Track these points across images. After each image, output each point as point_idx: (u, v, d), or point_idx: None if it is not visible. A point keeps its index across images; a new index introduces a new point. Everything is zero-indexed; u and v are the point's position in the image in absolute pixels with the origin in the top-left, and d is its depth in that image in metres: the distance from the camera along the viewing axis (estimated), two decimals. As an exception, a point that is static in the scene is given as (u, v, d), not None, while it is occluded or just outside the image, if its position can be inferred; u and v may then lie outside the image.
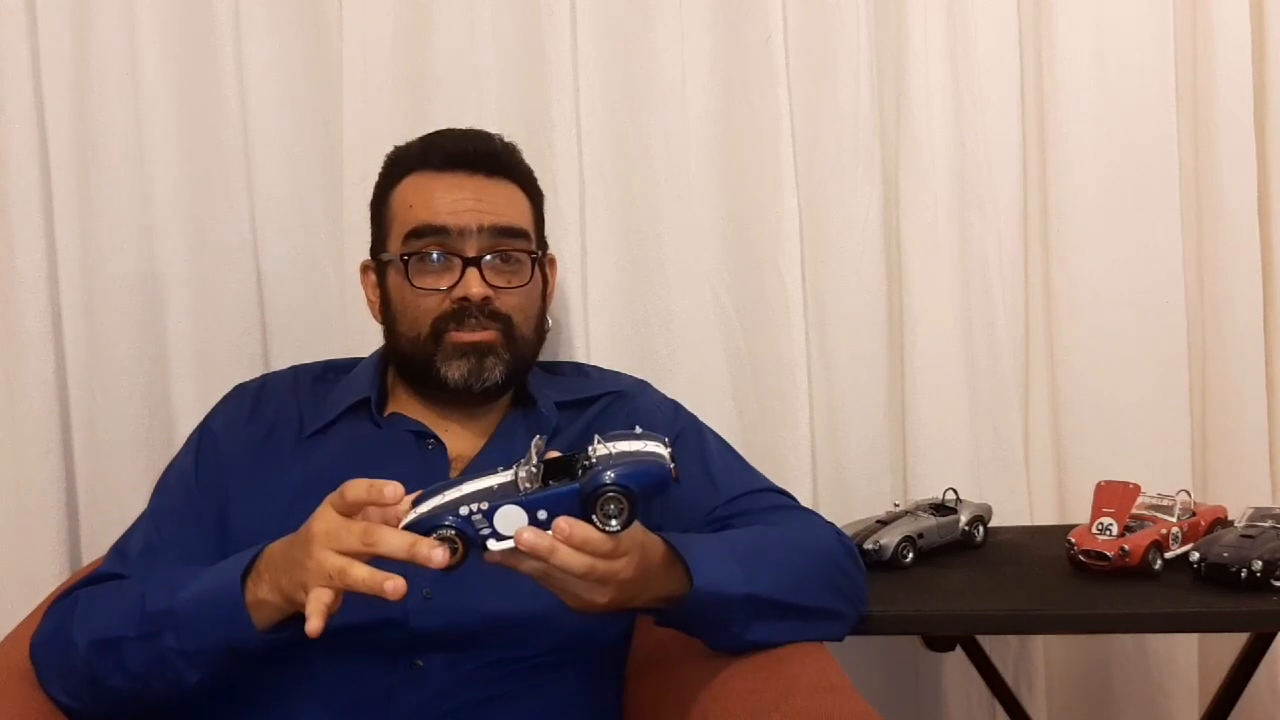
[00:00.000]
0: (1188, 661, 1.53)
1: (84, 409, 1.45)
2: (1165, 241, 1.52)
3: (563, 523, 0.80)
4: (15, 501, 1.41)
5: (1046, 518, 1.55)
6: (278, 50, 1.48)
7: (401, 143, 1.20)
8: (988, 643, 1.46)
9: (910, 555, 1.28)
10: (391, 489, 0.82)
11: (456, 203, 1.11)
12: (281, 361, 1.45)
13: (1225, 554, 1.15)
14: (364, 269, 1.22)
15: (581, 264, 1.48)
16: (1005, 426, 1.51)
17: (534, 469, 0.83)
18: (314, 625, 0.80)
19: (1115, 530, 1.21)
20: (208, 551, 1.02)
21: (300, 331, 1.50)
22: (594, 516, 0.80)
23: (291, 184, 1.50)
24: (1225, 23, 1.48)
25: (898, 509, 1.37)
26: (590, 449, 0.83)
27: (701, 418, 1.24)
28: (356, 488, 0.83)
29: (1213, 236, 1.52)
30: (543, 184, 1.24)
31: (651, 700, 1.09)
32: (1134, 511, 1.24)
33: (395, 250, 1.13)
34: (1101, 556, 1.19)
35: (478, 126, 1.21)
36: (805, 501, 1.27)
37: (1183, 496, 1.31)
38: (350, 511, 0.84)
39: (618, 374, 1.30)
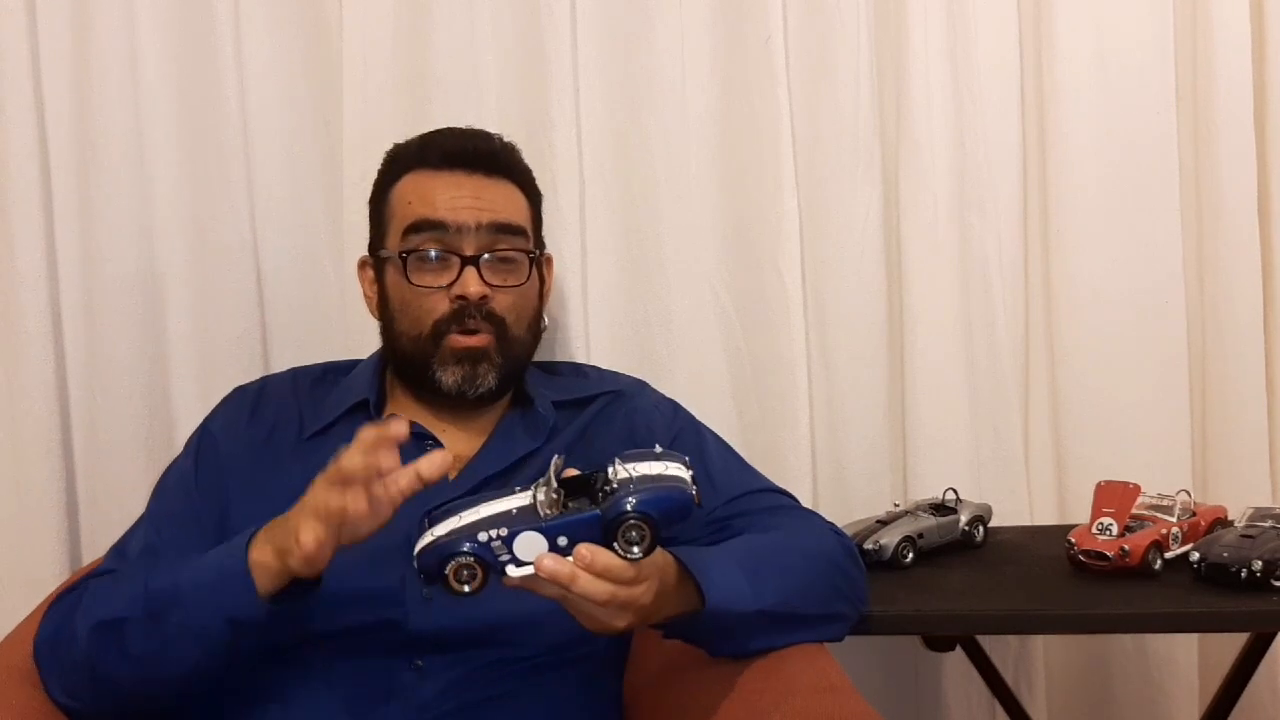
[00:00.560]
0: (1188, 661, 1.53)
1: (84, 409, 1.45)
2: (1165, 241, 1.52)
3: (584, 550, 0.79)
4: (15, 501, 1.41)
5: (1046, 518, 1.55)
6: (278, 50, 1.48)
7: (401, 142, 1.20)
8: (988, 643, 1.46)
9: (910, 555, 1.28)
10: (398, 426, 0.85)
11: (455, 200, 1.11)
12: (281, 362, 1.45)
13: (1225, 554, 1.15)
14: (361, 265, 1.22)
15: (581, 264, 1.48)
16: (1005, 426, 1.51)
17: (554, 494, 0.82)
18: (307, 538, 0.84)
19: (1115, 530, 1.21)
20: (207, 553, 1.02)
21: (300, 331, 1.50)
22: (615, 544, 0.80)
23: (291, 184, 1.50)
24: (1225, 23, 1.48)
25: (898, 509, 1.37)
26: (610, 470, 0.82)
27: (701, 418, 1.24)
28: (352, 459, 0.84)
29: (1213, 236, 1.52)
30: (542, 184, 1.24)
31: (651, 700, 1.09)
32: (1134, 511, 1.24)
33: (394, 246, 1.13)
34: (1101, 556, 1.19)
35: (478, 126, 1.21)
36: (805, 501, 1.27)
37: (1183, 496, 1.31)
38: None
39: (616, 374, 1.30)
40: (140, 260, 1.45)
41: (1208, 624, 1.28)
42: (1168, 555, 1.22)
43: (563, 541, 0.80)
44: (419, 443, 1.11)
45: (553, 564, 0.79)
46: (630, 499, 0.79)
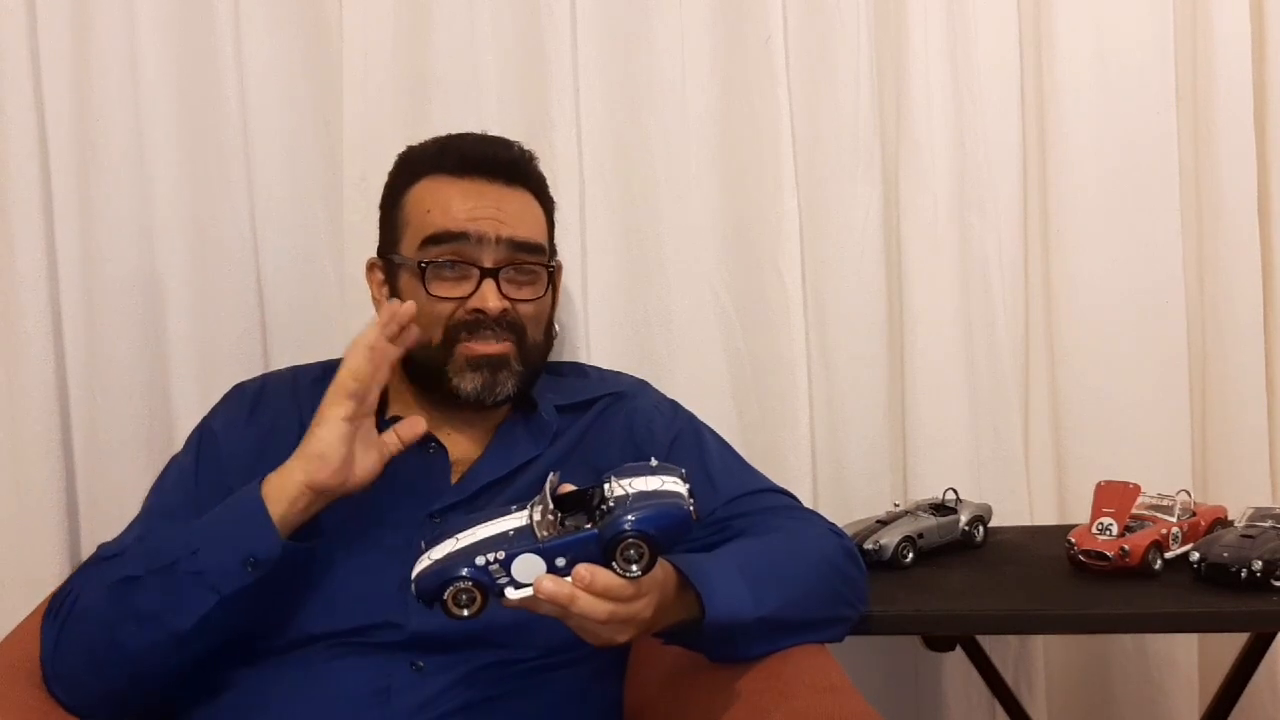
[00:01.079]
0: (1188, 661, 1.53)
1: (84, 409, 1.45)
2: (1165, 241, 1.52)
3: (583, 570, 0.79)
4: (15, 501, 1.41)
5: (1046, 518, 1.55)
6: (278, 50, 1.48)
7: (401, 143, 1.20)
8: (988, 643, 1.46)
9: (910, 555, 1.28)
10: (406, 308, 0.96)
11: (475, 210, 1.10)
12: (281, 362, 1.45)
13: (1225, 554, 1.15)
14: (370, 267, 1.20)
15: (581, 264, 1.48)
16: (1005, 426, 1.51)
17: (551, 514, 0.81)
18: (336, 412, 0.96)
19: (1115, 530, 1.21)
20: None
21: (300, 331, 1.49)
22: (614, 563, 0.79)
23: (291, 184, 1.50)
24: (1225, 23, 1.49)
25: (898, 509, 1.37)
26: (606, 487, 0.82)
27: (701, 418, 1.23)
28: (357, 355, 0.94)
29: (1213, 236, 1.52)
30: (541, 185, 1.24)
31: (652, 701, 1.09)
32: (1134, 511, 1.24)
33: (411, 255, 1.11)
34: (1101, 556, 1.19)
35: (478, 126, 1.21)
36: (805, 501, 1.26)
37: (1183, 496, 1.31)
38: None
39: (617, 374, 1.30)
40: (140, 260, 1.45)
41: (1208, 624, 1.28)
42: (1168, 555, 1.22)
43: (561, 562, 0.80)
44: (422, 444, 1.11)
45: (552, 586, 0.79)
46: (628, 517, 0.78)
